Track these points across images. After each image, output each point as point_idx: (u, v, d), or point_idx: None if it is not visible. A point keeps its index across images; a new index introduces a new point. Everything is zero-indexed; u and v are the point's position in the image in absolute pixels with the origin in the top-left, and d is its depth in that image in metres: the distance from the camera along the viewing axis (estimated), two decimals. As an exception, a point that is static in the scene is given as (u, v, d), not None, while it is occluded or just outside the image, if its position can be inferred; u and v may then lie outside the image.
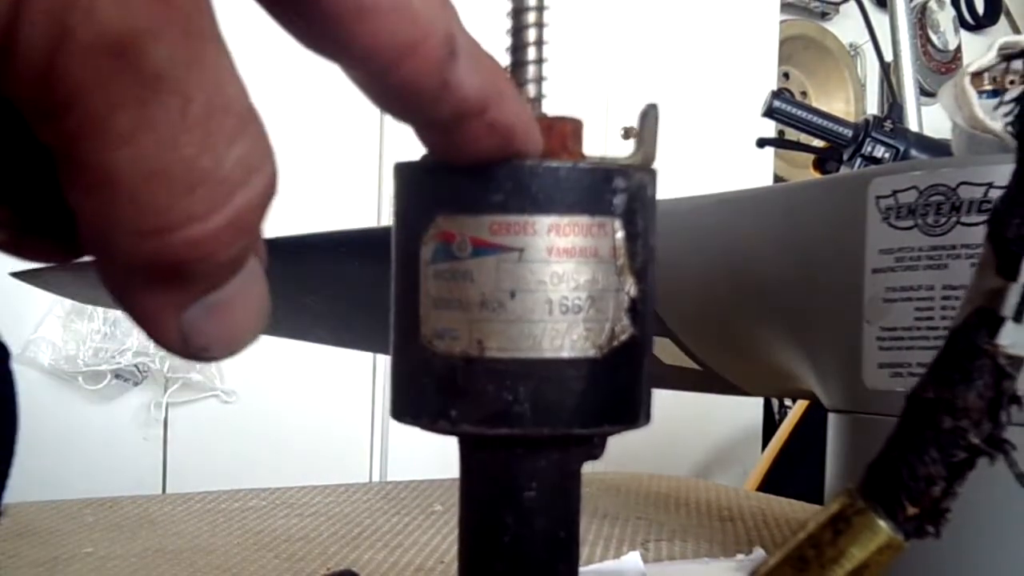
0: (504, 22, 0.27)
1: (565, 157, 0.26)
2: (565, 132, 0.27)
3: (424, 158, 0.27)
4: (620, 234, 0.26)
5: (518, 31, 0.27)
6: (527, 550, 0.28)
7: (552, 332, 0.26)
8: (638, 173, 0.27)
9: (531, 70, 0.27)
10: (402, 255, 0.27)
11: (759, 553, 0.64)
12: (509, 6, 0.27)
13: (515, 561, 0.28)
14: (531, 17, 0.27)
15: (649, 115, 0.28)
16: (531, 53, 0.27)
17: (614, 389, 0.27)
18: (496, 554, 0.28)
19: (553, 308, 0.26)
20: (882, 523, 0.25)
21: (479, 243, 0.26)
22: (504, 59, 0.27)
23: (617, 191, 0.27)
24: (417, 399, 0.27)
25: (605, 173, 0.27)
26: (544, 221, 0.26)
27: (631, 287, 0.27)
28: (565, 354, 0.26)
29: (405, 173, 0.28)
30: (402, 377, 0.28)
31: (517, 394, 0.26)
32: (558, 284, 0.26)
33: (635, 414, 0.28)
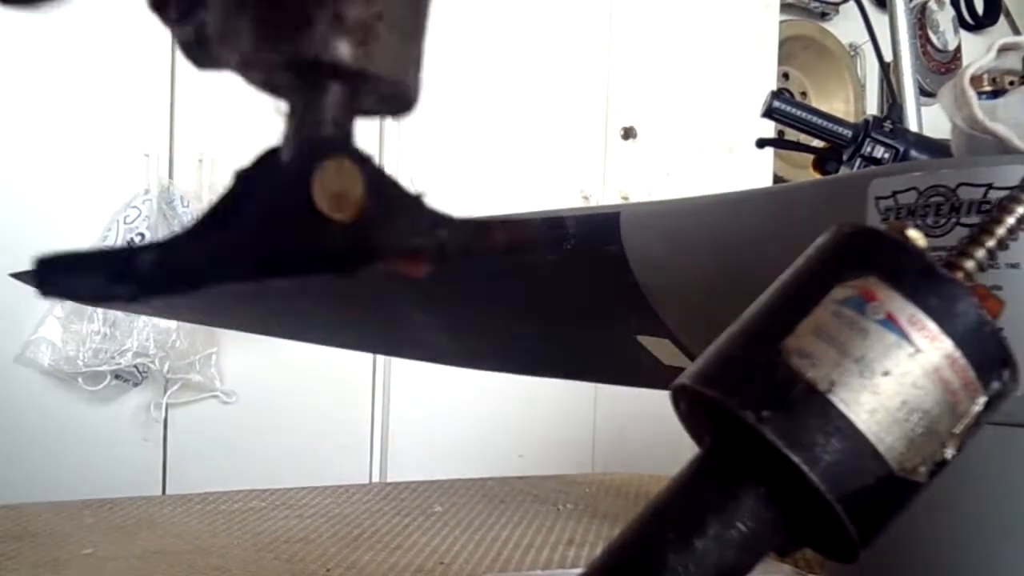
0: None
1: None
2: (994, 310, 0.29)
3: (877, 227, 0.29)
4: (981, 399, 0.28)
5: None
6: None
7: (888, 426, 0.27)
8: None
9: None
10: (812, 275, 0.29)
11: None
12: None
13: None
14: None
15: None
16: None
17: (894, 508, 0.28)
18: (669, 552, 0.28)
19: (901, 409, 0.27)
20: None
21: (893, 320, 0.28)
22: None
23: (1006, 381, 0.28)
24: (733, 377, 0.28)
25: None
26: (950, 348, 0.27)
27: (953, 443, 0.28)
28: (882, 450, 0.27)
29: (853, 231, 0.30)
30: (725, 355, 0.29)
31: (827, 445, 0.27)
32: (919, 396, 0.27)
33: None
